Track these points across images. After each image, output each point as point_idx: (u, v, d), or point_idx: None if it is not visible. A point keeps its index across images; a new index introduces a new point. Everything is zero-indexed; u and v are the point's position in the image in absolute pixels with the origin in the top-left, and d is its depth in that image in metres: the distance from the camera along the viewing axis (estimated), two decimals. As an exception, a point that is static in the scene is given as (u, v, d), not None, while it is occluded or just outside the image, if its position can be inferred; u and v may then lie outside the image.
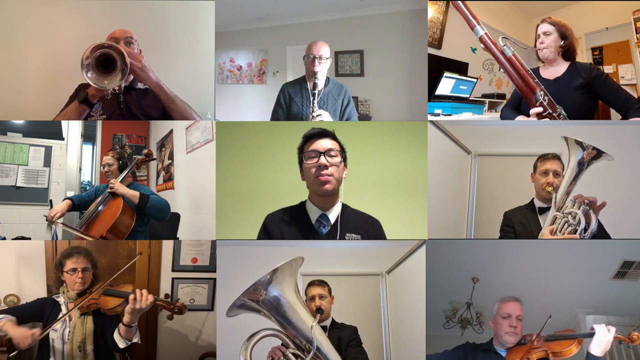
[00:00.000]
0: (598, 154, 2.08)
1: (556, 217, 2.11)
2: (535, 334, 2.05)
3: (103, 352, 2.30)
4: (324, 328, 2.23)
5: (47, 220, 2.49)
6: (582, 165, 2.10)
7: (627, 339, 1.95)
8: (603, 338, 1.89)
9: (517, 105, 2.54)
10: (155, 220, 2.66)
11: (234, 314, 1.61)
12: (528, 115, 2.38)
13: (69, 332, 2.25)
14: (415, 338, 2.41)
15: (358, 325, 2.31)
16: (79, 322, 2.27)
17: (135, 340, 2.20)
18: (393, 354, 2.63)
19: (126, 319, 2.15)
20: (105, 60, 2.14)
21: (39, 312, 2.31)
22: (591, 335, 1.93)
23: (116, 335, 2.19)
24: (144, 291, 2.15)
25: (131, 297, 2.14)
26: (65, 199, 2.65)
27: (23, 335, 2.08)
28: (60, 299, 2.35)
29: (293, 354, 1.61)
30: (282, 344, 1.64)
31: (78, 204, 2.65)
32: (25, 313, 2.31)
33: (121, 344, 2.18)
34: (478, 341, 2.23)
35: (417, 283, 2.41)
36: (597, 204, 2.06)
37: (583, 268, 2.69)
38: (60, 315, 2.27)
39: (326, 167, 1.85)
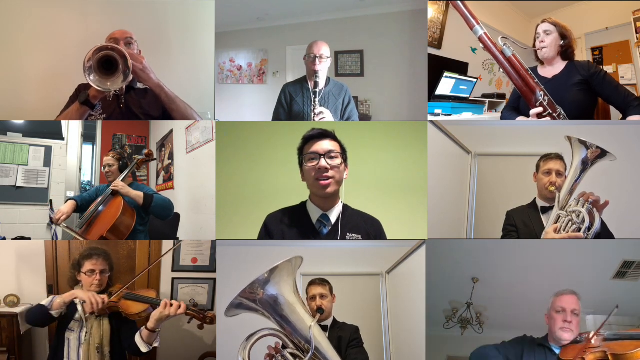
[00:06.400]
0: (602, 153, 2.08)
1: (560, 216, 2.10)
2: (594, 332, 1.83)
3: (118, 353, 2.29)
4: (324, 327, 2.23)
5: (52, 222, 2.48)
6: (585, 165, 2.10)
7: None
8: None
9: (517, 107, 2.54)
10: (158, 219, 2.67)
11: (233, 314, 1.59)
12: (527, 116, 2.38)
13: (87, 333, 2.23)
14: (415, 338, 2.41)
15: (358, 325, 2.30)
16: (96, 323, 2.25)
17: (156, 344, 2.19)
18: (393, 354, 2.63)
19: (151, 324, 2.14)
20: (106, 62, 2.13)
21: None
22: None
23: (138, 340, 2.17)
24: (175, 301, 2.15)
25: (163, 302, 2.13)
26: (69, 199, 2.63)
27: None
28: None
29: (291, 354, 1.59)
30: (282, 345, 1.62)
31: (81, 205, 2.64)
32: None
33: (144, 349, 2.16)
34: (478, 341, 2.23)
35: (417, 283, 2.41)
36: (600, 203, 2.05)
37: (583, 268, 2.69)
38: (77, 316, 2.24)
39: (326, 169, 1.83)
